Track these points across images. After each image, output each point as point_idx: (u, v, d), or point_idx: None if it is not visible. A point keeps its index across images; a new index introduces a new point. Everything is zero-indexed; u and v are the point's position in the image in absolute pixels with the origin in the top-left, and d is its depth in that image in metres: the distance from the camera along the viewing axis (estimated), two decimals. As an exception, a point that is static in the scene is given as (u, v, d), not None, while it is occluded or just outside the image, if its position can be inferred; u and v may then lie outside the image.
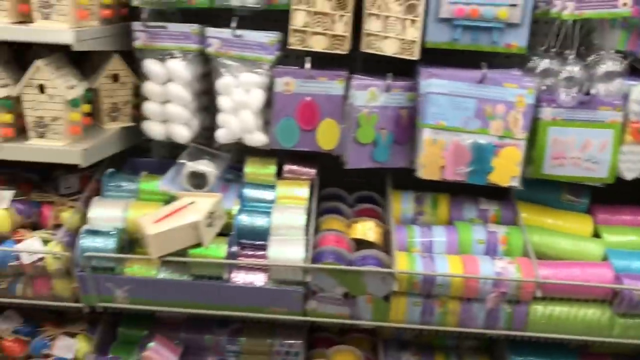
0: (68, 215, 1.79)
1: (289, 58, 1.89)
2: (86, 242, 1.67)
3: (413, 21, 1.64)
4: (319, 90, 1.77)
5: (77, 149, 1.66)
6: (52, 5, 1.56)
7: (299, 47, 1.71)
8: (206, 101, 1.96)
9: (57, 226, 1.80)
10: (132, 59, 1.86)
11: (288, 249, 1.68)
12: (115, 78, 1.85)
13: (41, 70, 1.61)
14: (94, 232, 1.68)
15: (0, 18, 1.59)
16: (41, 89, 1.63)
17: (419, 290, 1.68)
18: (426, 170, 1.71)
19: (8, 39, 1.57)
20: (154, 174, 1.89)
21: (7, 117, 1.65)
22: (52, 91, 1.62)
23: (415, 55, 1.67)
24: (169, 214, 1.64)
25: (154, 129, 1.85)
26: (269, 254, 1.67)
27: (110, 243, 1.67)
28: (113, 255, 1.65)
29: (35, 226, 1.81)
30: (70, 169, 1.92)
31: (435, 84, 1.65)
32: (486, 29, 1.67)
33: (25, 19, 1.63)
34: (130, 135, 1.93)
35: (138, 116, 1.91)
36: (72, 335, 1.92)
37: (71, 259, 1.66)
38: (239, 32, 1.72)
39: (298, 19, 1.69)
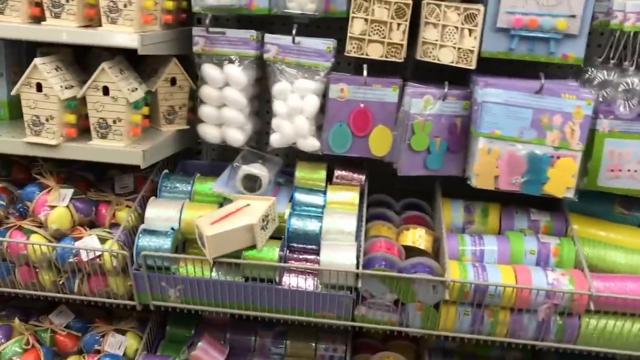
0: (124, 215, 1.83)
1: (339, 65, 1.92)
2: (143, 241, 1.70)
3: (471, 30, 1.65)
4: (373, 97, 1.79)
5: (137, 150, 1.70)
6: (119, 10, 1.60)
7: (356, 55, 1.73)
8: (257, 106, 1.99)
9: (114, 225, 1.84)
10: (188, 63, 1.90)
11: (339, 254, 1.69)
12: (172, 82, 1.89)
13: (106, 72, 1.65)
14: (151, 232, 1.72)
15: (68, 22, 1.64)
16: (105, 91, 1.67)
17: (470, 300, 1.68)
18: (480, 179, 1.71)
19: (77, 42, 1.61)
20: (206, 176, 1.93)
21: (71, 118, 1.70)
22: (116, 93, 1.67)
23: (472, 64, 1.67)
24: (225, 216, 1.67)
25: (209, 132, 1.88)
26: (321, 258, 1.69)
27: (167, 243, 1.70)
28: (170, 255, 1.68)
29: (92, 224, 1.85)
30: (125, 169, 1.97)
31: (491, 93, 1.66)
32: (543, 40, 1.66)
33: (90, 22, 1.68)
34: (185, 138, 1.98)
35: (192, 119, 1.95)
36: (122, 332, 1.96)
37: (128, 258, 1.70)
38: (297, 38, 1.74)
39: (356, 27, 1.71)
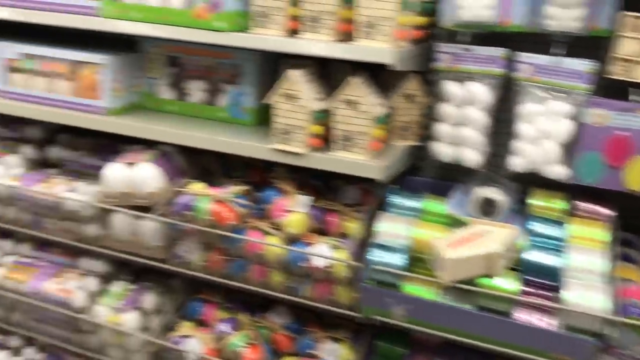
0: (353, 226, 1.85)
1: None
2: (376, 255, 1.70)
3: None
4: (636, 125, 1.61)
5: (378, 164, 1.70)
6: (375, 25, 1.62)
7: (622, 78, 1.57)
8: (494, 126, 1.90)
9: (341, 235, 1.87)
10: (424, 79, 1.88)
11: (587, 295, 1.54)
12: (409, 97, 1.88)
13: (355, 86, 1.68)
14: (384, 247, 1.71)
15: (324, 36, 1.69)
16: (352, 104, 1.70)
17: None
18: None
19: (332, 56, 1.66)
20: (431, 195, 1.89)
21: (318, 129, 1.75)
22: (362, 107, 1.69)
23: None
24: (464, 240, 1.61)
25: (443, 151, 1.84)
26: (565, 297, 1.55)
27: (399, 260, 1.68)
28: (403, 273, 1.66)
29: (321, 231, 1.90)
30: (350, 180, 2.00)
31: None
32: None
33: (343, 37, 1.72)
34: (413, 154, 1.95)
35: (422, 136, 1.93)
36: (337, 340, 1.99)
37: (359, 269, 1.71)
38: (555, 58, 1.63)
39: (626, 47, 1.55)
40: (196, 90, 2.06)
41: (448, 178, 1.99)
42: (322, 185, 2.05)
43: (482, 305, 1.64)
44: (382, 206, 1.90)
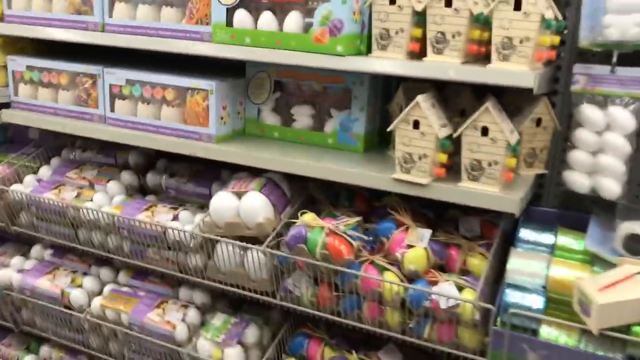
0: (476, 262, 1.72)
1: None
2: (510, 297, 1.56)
3: None
4: None
5: (513, 197, 1.56)
6: (513, 47, 1.49)
7: None
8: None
9: (464, 271, 1.74)
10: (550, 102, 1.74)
11: None
12: (538, 122, 1.74)
13: (489, 113, 1.55)
14: (519, 287, 1.57)
15: (451, 58, 1.58)
16: (484, 131, 1.57)
17: None
18: None
19: (464, 80, 1.54)
20: (563, 227, 1.73)
21: (443, 157, 1.63)
22: (496, 135, 1.56)
23: None
24: (615, 282, 1.45)
25: (578, 180, 1.68)
26: None
27: (538, 302, 1.53)
28: (542, 317, 1.51)
29: (441, 267, 1.77)
30: (465, 210, 1.87)
31: None
32: None
33: (469, 59, 1.60)
34: (535, 182, 1.81)
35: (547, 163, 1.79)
36: (453, 384, 1.85)
37: (489, 312, 1.57)
38: None
39: None
40: (302, 116, 1.98)
41: (572, 208, 1.83)
42: (435, 216, 1.92)
43: (633, 355, 1.47)
44: (508, 240, 1.76)
